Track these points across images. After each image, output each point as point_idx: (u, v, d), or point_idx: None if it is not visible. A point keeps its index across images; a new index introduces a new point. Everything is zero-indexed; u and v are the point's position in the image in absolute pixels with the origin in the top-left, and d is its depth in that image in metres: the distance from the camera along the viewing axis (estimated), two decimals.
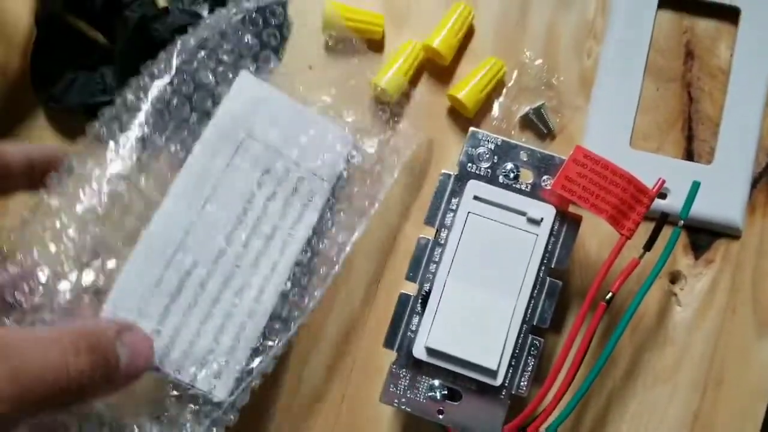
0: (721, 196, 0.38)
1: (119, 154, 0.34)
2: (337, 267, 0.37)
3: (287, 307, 0.36)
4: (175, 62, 0.35)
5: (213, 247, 0.35)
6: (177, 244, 0.35)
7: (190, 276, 0.35)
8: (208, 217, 0.35)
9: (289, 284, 0.36)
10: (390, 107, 0.39)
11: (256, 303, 0.35)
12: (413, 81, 0.40)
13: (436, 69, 0.40)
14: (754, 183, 0.38)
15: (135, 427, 0.33)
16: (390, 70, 0.38)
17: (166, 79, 0.35)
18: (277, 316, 0.36)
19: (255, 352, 0.36)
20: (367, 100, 0.39)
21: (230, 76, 0.36)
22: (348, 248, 0.37)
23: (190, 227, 0.35)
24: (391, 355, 0.34)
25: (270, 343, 0.36)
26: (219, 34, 0.36)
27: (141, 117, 0.35)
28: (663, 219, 0.33)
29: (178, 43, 0.35)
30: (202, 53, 0.36)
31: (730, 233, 0.38)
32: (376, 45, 0.40)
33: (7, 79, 0.41)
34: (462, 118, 0.40)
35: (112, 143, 0.34)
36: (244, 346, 0.35)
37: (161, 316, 0.34)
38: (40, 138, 0.40)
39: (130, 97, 0.35)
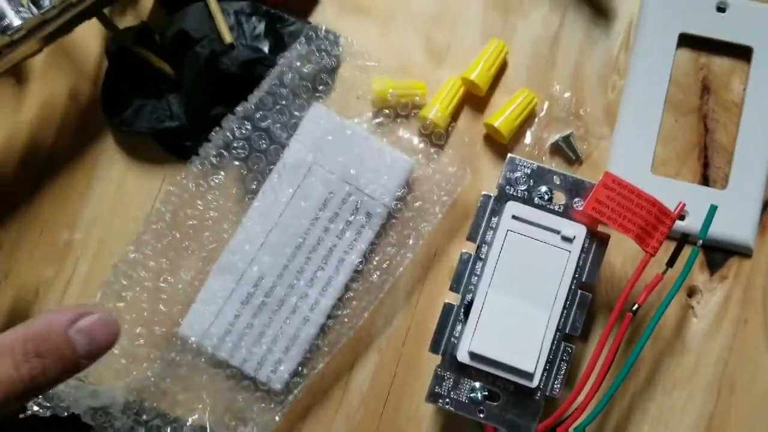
0: (735, 218, 0.41)
1: (210, 183, 0.40)
2: (382, 293, 0.41)
3: (339, 318, 0.41)
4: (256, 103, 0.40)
5: (279, 262, 0.40)
6: (249, 260, 0.39)
7: (258, 287, 0.39)
8: (277, 236, 0.40)
9: (346, 292, 0.40)
10: (435, 137, 0.42)
11: (311, 312, 0.40)
12: (455, 112, 0.44)
13: (473, 99, 0.44)
14: (765, 206, 0.42)
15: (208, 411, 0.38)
16: (436, 104, 0.42)
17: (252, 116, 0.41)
18: (329, 324, 0.40)
19: (308, 353, 0.40)
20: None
21: (299, 107, 0.41)
22: (393, 277, 0.41)
23: (261, 245, 0.40)
24: (434, 359, 0.38)
25: (321, 346, 0.40)
26: (290, 71, 0.41)
27: (230, 151, 0.41)
28: (684, 239, 0.37)
29: (264, 85, 0.41)
30: (281, 90, 0.40)
31: (742, 252, 0.42)
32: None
33: (79, 105, 0.45)
34: (497, 144, 0.43)
35: (206, 173, 0.40)
36: (298, 347, 0.40)
37: (234, 319, 0.39)
38: (109, 160, 0.44)
39: (224, 134, 0.40)
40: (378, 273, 0.41)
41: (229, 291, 0.40)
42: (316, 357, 0.41)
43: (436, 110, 0.42)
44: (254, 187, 0.40)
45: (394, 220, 0.41)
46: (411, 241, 0.41)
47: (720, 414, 0.40)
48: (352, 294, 0.41)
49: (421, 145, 0.42)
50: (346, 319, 0.41)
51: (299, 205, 0.40)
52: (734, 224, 0.41)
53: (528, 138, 0.43)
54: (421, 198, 0.41)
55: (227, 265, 0.40)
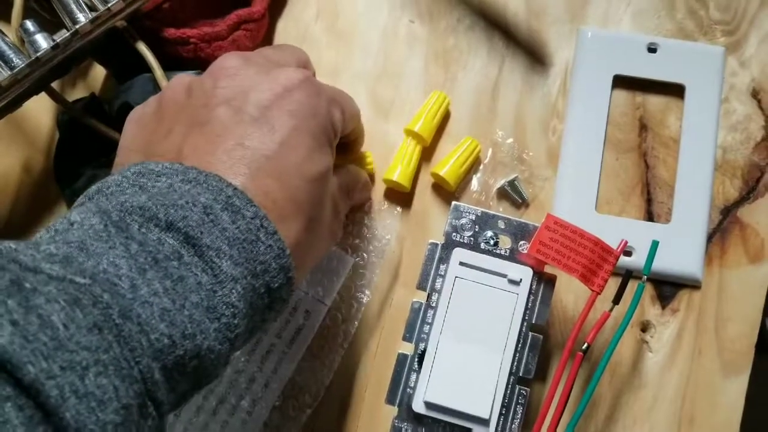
0: (681, 251, 0.42)
1: None
2: (331, 372, 0.41)
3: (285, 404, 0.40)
4: None
5: None
6: None
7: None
8: None
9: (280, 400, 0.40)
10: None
11: (248, 416, 0.39)
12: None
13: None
14: (709, 238, 0.43)
15: None
16: (398, 165, 0.43)
17: None
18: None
19: None
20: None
21: None
22: (343, 349, 0.41)
23: None
24: (393, 410, 0.38)
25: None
26: None
27: None
28: (627, 275, 0.38)
29: None
30: None
31: (691, 284, 0.42)
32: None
33: (33, 177, 0.46)
34: (445, 192, 0.44)
35: None
36: None
37: (171, 422, 0.39)
38: None
39: None
40: (330, 347, 0.41)
41: None
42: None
43: (399, 172, 0.43)
44: None
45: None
46: (353, 311, 0.41)
47: None
48: (304, 364, 0.41)
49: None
50: (306, 397, 0.41)
51: None
52: (681, 257, 0.42)
53: (475, 184, 0.44)
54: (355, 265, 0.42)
55: None
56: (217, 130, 0.31)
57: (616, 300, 0.37)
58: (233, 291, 0.27)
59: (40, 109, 0.46)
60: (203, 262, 0.27)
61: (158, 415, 0.25)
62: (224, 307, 0.27)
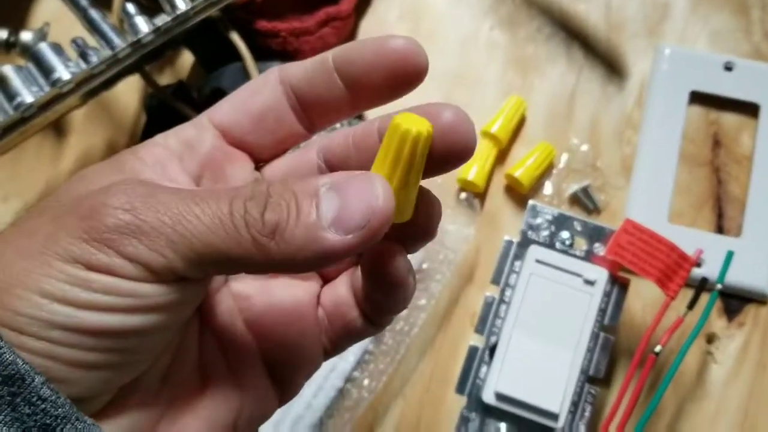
0: (750, 266, 0.43)
1: None
2: (399, 355, 0.42)
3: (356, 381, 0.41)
4: None
5: None
6: None
7: None
8: None
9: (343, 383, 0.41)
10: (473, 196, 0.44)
11: (314, 399, 0.40)
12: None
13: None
14: None
15: None
16: (474, 166, 0.44)
17: None
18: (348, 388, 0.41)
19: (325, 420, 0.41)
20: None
21: None
22: (409, 338, 0.42)
23: None
24: (458, 401, 0.38)
25: (342, 411, 0.41)
26: None
27: None
28: (703, 282, 0.38)
29: None
30: None
31: (758, 299, 0.43)
32: None
33: None
34: (517, 193, 0.45)
35: None
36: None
37: None
38: None
39: None
40: (393, 335, 0.42)
41: None
42: (336, 421, 0.41)
43: (474, 172, 0.44)
44: None
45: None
46: (423, 302, 0.42)
47: None
48: (368, 358, 0.41)
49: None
50: (365, 382, 0.41)
51: None
52: (749, 272, 0.43)
53: (548, 188, 0.45)
54: (428, 259, 0.42)
55: None
56: None
57: (691, 305, 0.38)
58: None
59: (127, 93, 0.48)
60: None
61: None
62: None
